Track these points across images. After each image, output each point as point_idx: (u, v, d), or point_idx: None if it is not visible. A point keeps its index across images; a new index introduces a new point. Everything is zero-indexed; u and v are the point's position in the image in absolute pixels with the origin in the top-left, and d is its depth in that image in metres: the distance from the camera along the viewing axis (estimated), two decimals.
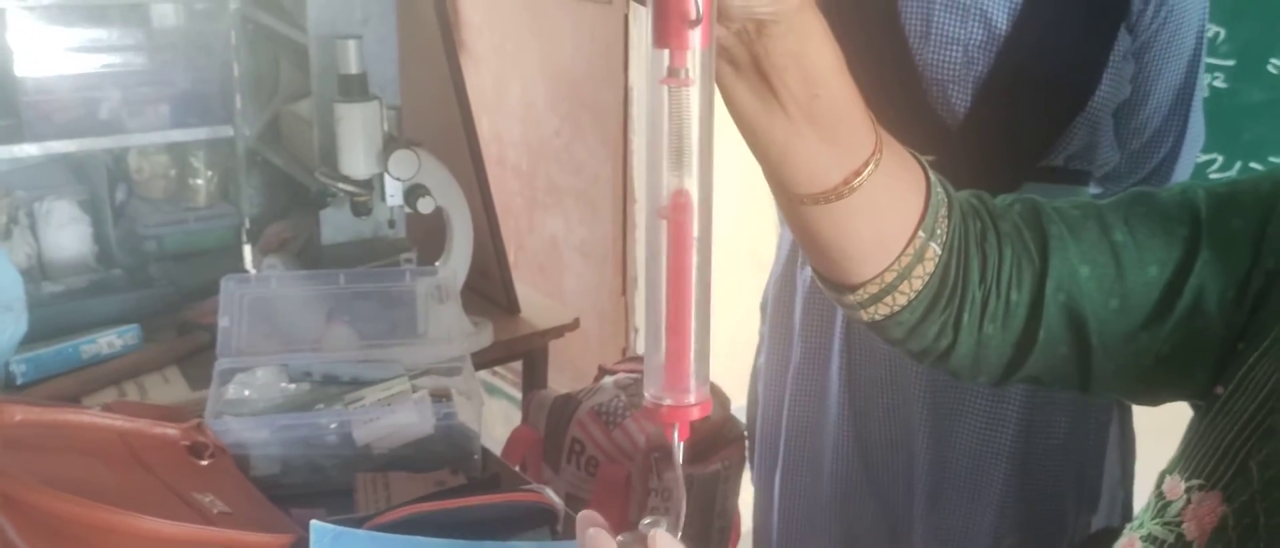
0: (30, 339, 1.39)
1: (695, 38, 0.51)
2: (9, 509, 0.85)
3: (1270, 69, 1.53)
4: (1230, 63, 1.54)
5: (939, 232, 0.69)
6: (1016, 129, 1.14)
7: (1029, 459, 1.18)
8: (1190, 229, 0.68)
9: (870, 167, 0.65)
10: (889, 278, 0.69)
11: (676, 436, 0.54)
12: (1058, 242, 0.70)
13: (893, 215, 0.68)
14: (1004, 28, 1.11)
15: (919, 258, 0.68)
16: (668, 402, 0.54)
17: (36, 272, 1.60)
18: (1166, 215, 0.70)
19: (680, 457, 0.55)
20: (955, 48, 1.13)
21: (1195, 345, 0.68)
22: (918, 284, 0.69)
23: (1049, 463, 1.18)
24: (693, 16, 0.50)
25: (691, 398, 0.54)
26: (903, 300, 0.69)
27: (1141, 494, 1.20)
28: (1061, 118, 1.13)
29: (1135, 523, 0.73)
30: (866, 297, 0.69)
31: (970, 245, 0.70)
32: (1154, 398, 0.74)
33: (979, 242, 0.71)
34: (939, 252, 0.69)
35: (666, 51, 0.51)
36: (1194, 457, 0.68)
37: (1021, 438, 1.17)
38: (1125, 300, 0.69)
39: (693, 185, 0.53)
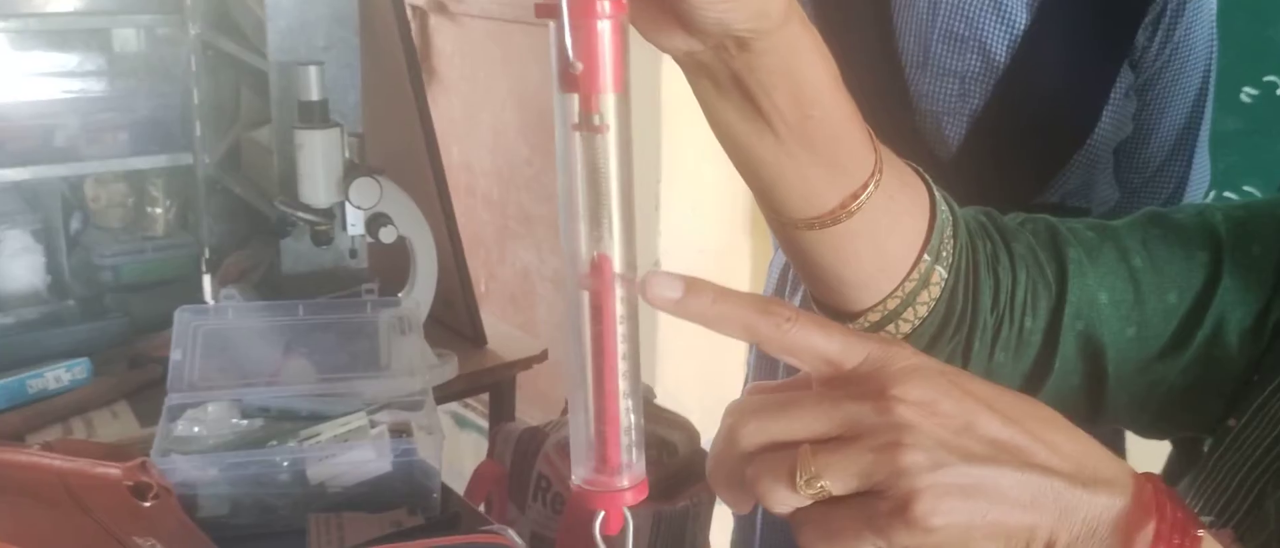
0: None
1: (606, 80, 0.45)
2: None
3: (1243, 98, 1.52)
4: None
5: (945, 254, 0.64)
6: (1011, 165, 1.11)
7: None
8: (1210, 254, 0.65)
9: (870, 188, 0.60)
10: (892, 305, 0.64)
11: (601, 526, 0.48)
12: (1076, 266, 0.66)
13: (895, 238, 0.63)
14: (1003, 60, 1.08)
15: (924, 283, 0.64)
16: (592, 486, 0.48)
17: None
18: (1185, 239, 0.66)
19: (629, 542, 0.49)
20: (952, 79, 1.10)
21: (1212, 376, 0.65)
22: (923, 311, 0.64)
23: None
24: (573, 68, 0.44)
25: (624, 480, 0.48)
26: (907, 328, 0.65)
27: None
28: (1059, 155, 1.10)
29: None
30: (868, 325, 0.65)
31: (980, 268, 0.66)
32: (1162, 431, 0.70)
33: (990, 264, 0.66)
34: (945, 275, 0.64)
35: (575, 95, 0.45)
36: (1203, 491, 0.64)
37: None
38: (1142, 329, 0.65)
39: (615, 248, 0.46)
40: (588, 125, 0.45)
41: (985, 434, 0.46)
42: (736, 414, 0.47)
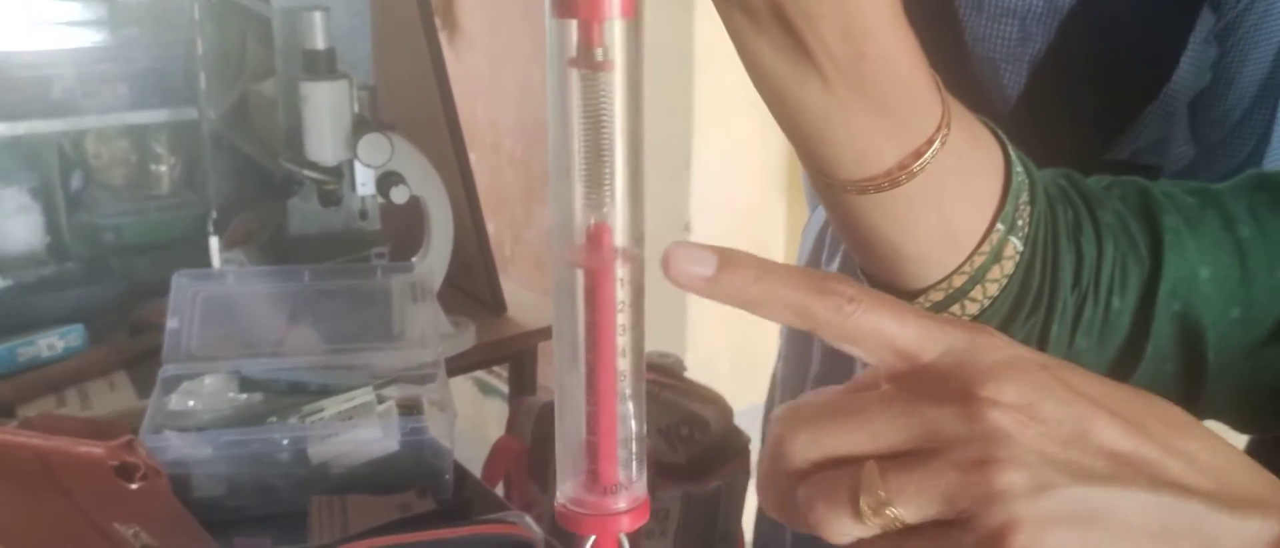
0: None
1: (613, 3, 0.35)
2: None
3: None
4: None
5: (1020, 224, 0.54)
6: (1077, 118, 1.00)
7: None
8: None
9: (935, 145, 0.49)
10: (958, 282, 0.54)
11: None
12: (1173, 236, 0.56)
13: (963, 205, 0.53)
14: None
15: (996, 257, 0.54)
16: (582, 508, 0.39)
17: None
18: None
19: None
20: (1011, 20, 0.98)
21: None
22: (993, 289, 0.55)
23: None
24: None
25: (620, 501, 0.39)
26: (974, 310, 0.55)
27: None
28: (1131, 106, 0.99)
29: None
30: (929, 306, 0.55)
31: (1060, 240, 0.56)
32: (1267, 426, 0.60)
33: (1071, 235, 0.56)
34: (1021, 248, 0.54)
35: (573, 21, 0.35)
36: None
37: None
38: (1249, 310, 0.56)
39: (617, 216, 0.37)
40: (588, 61, 0.36)
41: (1102, 445, 0.37)
42: (786, 422, 0.38)
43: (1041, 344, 0.57)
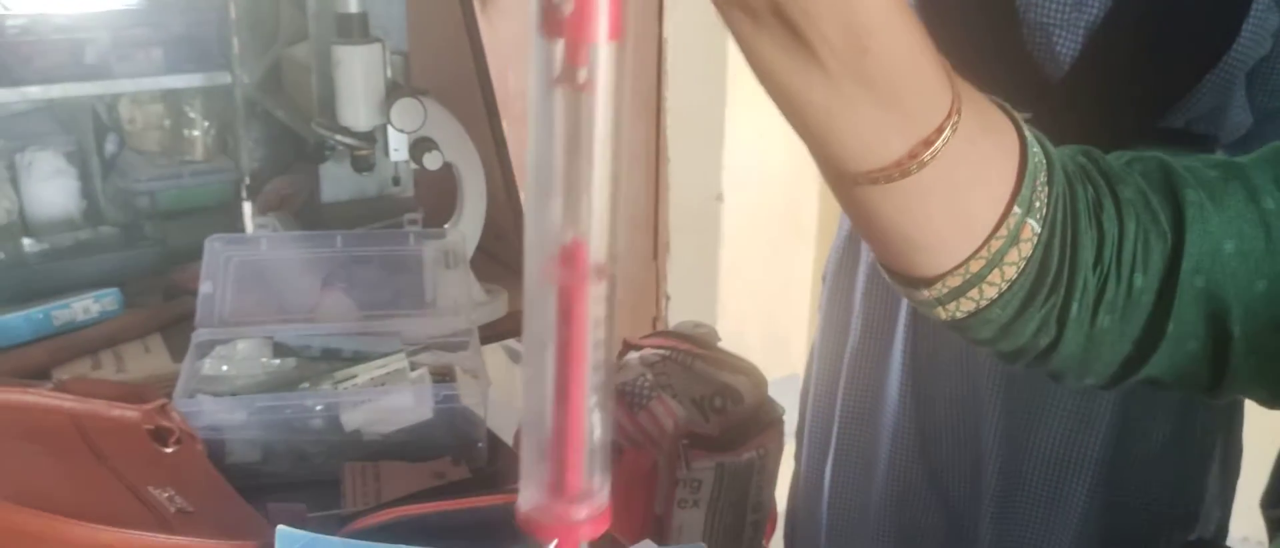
0: (6, 301, 1.27)
1: (600, 27, 0.35)
2: None
3: None
4: None
5: (1038, 205, 0.53)
6: (1132, 86, 0.97)
7: (1119, 469, 1.02)
8: None
9: (945, 133, 0.49)
10: (975, 267, 0.53)
11: None
12: (1196, 210, 0.55)
13: (977, 191, 0.52)
14: None
15: (1013, 240, 0.53)
16: (543, 514, 0.40)
17: (18, 228, 1.49)
18: None
19: None
20: None
21: None
22: (1011, 273, 0.54)
23: (1142, 474, 1.02)
24: (560, 6, 0.35)
25: (581, 511, 0.40)
26: (992, 293, 0.54)
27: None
28: (1188, 75, 0.96)
29: None
30: (946, 292, 0.54)
31: (1080, 219, 0.55)
32: None
33: (1091, 213, 0.55)
34: (1039, 230, 0.53)
35: (559, 41, 0.35)
36: None
37: (1112, 444, 1.01)
38: (1276, 282, 0.55)
39: (593, 233, 0.37)
40: (571, 81, 0.36)
41: None
42: None
43: (1061, 325, 0.56)
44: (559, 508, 0.39)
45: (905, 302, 1.09)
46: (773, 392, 1.47)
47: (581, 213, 0.37)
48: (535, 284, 0.38)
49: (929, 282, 0.55)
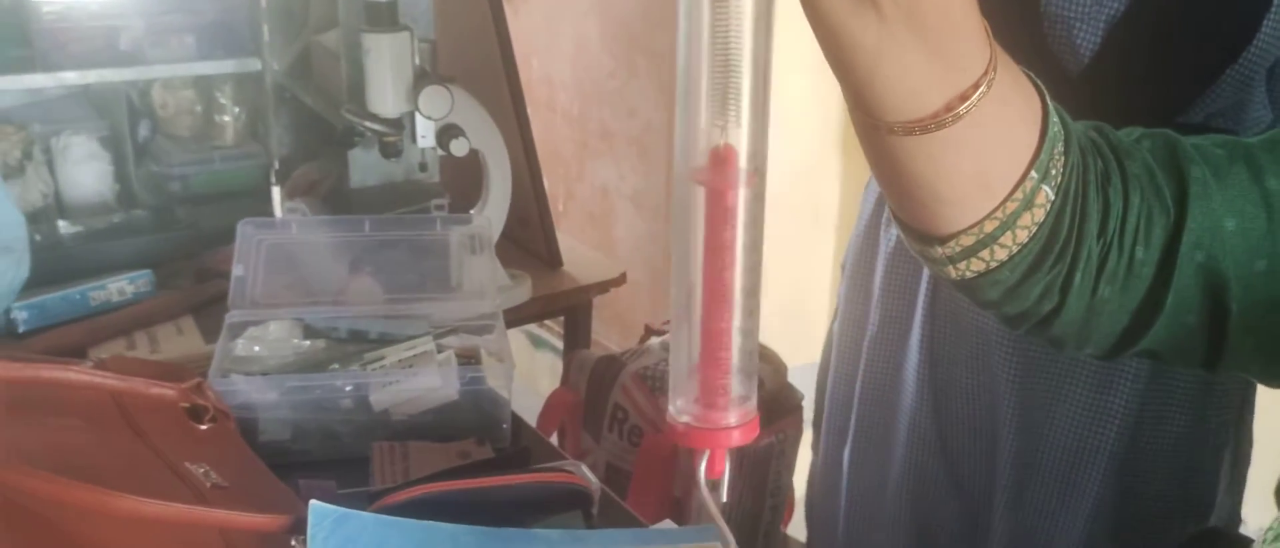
0: (41, 282, 1.30)
1: None
2: None
3: None
4: None
5: (1054, 172, 0.56)
6: (1152, 79, 0.98)
7: (1134, 460, 1.03)
8: None
9: (981, 88, 0.51)
10: (989, 227, 0.56)
11: (705, 466, 0.40)
12: (1199, 187, 0.57)
13: (1002, 151, 0.54)
14: None
15: (1028, 204, 0.55)
16: (694, 421, 0.40)
17: (53, 210, 1.52)
18: None
19: (723, 493, 0.42)
20: None
21: None
22: (1023, 236, 0.56)
23: (1157, 465, 1.03)
24: None
25: (731, 417, 0.41)
26: (1003, 255, 0.57)
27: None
28: (1209, 70, 0.97)
29: (1272, 535, 0.60)
30: (959, 250, 0.57)
31: (1089, 190, 0.57)
32: None
33: (1100, 185, 0.57)
34: (1052, 196, 0.56)
35: None
36: None
37: (1128, 435, 1.02)
38: (1276, 261, 0.56)
39: (742, 138, 0.38)
40: None
41: None
42: None
43: (1064, 292, 0.58)
44: (710, 414, 0.40)
45: (923, 293, 1.11)
46: (792, 379, 1.49)
47: (730, 118, 0.38)
48: (683, 187, 0.39)
49: (943, 239, 0.57)
